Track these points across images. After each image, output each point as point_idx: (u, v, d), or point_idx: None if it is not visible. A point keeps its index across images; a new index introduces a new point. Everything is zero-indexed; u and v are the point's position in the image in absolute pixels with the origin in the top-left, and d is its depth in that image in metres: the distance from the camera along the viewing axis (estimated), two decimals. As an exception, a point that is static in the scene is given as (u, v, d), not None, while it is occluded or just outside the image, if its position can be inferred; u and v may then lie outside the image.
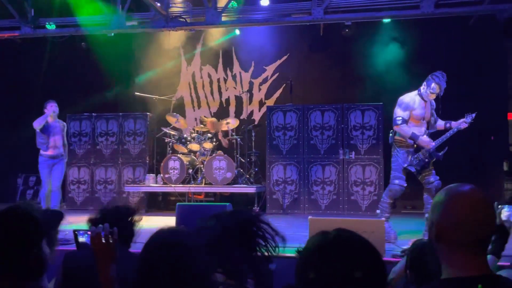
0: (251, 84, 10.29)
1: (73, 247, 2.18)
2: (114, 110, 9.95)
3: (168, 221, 6.27)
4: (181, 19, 7.83)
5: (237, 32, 9.83)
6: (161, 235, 1.72)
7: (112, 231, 1.99)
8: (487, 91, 8.86)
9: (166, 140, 9.18)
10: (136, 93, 9.69)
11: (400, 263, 2.36)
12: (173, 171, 8.75)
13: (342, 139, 8.53)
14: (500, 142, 8.87)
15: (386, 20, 7.99)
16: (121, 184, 9.36)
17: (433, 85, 5.42)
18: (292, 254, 1.54)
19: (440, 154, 5.59)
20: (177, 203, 5.62)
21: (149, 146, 9.53)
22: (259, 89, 10.35)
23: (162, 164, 8.87)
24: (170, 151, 9.10)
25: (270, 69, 10.28)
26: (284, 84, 9.84)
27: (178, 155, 8.90)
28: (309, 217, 5.00)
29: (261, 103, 10.28)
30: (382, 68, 8.54)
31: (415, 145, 5.62)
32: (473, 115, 5.62)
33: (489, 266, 1.48)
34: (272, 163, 8.77)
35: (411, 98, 5.60)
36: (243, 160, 9.02)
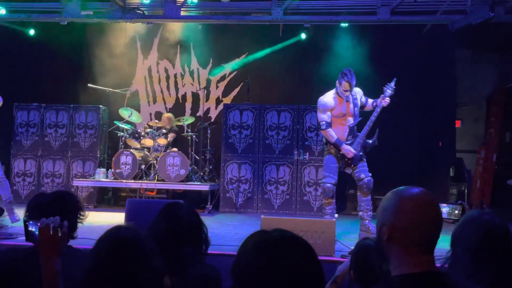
0: (208, 81, 10.21)
1: (18, 241, 2.09)
2: (64, 101, 9.61)
3: (118, 217, 6.13)
4: (139, 11, 7.67)
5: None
6: (117, 232, 1.67)
7: (62, 224, 1.94)
8: (436, 99, 9.18)
9: (118, 135, 8.96)
10: (89, 84, 9.41)
11: (345, 262, 2.42)
12: (125, 166, 8.56)
13: (297, 140, 8.61)
14: (447, 149, 9.18)
15: (344, 24, 8.12)
16: (70, 178, 9.06)
17: (343, 83, 5.40)
18: None
19: (371, 141, 5.55)
20: (128, 199, 5.49)
21: (101, 140, 9.27)
22: (217, 87, 10.28)
23: (113, 158, 8.65)
24: (123, 146, 8.89)
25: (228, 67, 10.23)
26: (242, 83, 9.83)
27: (131, 150, 8.71)
28: (262, 216, 5.02)
29: (218, 101, 10.22)
30: (338, 71, 8.66)
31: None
32: (392, 84, 5.44)
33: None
34: (227, 161, 8.74)
35: (327, 98, 5.53)
36: (197, 158, 8.94)
